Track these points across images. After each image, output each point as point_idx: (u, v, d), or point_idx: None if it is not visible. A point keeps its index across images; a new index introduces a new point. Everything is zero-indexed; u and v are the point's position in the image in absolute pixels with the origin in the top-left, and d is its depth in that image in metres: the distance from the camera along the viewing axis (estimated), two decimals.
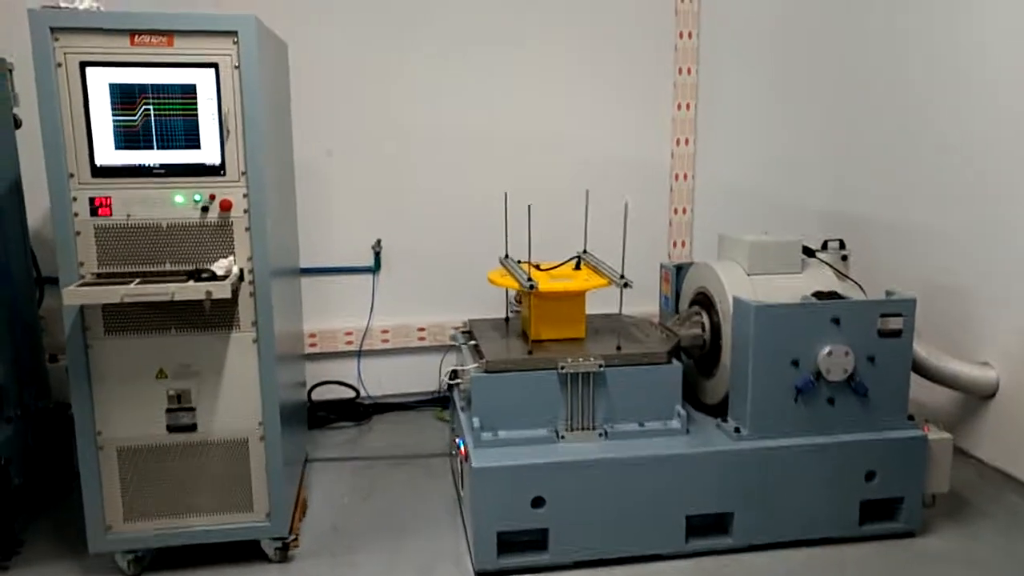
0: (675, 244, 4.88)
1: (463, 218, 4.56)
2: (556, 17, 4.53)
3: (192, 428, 2.90)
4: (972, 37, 3.84)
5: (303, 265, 4.25)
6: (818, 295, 3.22)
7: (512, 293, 3.76)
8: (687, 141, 4.79)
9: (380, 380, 4.69)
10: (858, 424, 3.16)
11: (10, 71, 3.35)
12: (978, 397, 3.78)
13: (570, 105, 4.63)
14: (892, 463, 3.16)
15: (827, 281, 3.36)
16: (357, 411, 4.58)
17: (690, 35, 4.70)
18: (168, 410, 2.88)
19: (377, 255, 4.54)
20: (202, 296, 2.61)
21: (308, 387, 4.46)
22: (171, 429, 2.89)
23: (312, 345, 4.50)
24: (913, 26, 4.20)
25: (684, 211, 4.85)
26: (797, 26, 4.81)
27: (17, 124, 3.43)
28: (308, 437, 4.21)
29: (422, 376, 4.69)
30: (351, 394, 4.61)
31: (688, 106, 4.76)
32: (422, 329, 4.66)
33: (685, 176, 4.82)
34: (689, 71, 4.74)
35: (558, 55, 4.57)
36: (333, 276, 4.53)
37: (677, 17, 4.68)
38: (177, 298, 2.61)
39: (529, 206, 3.05)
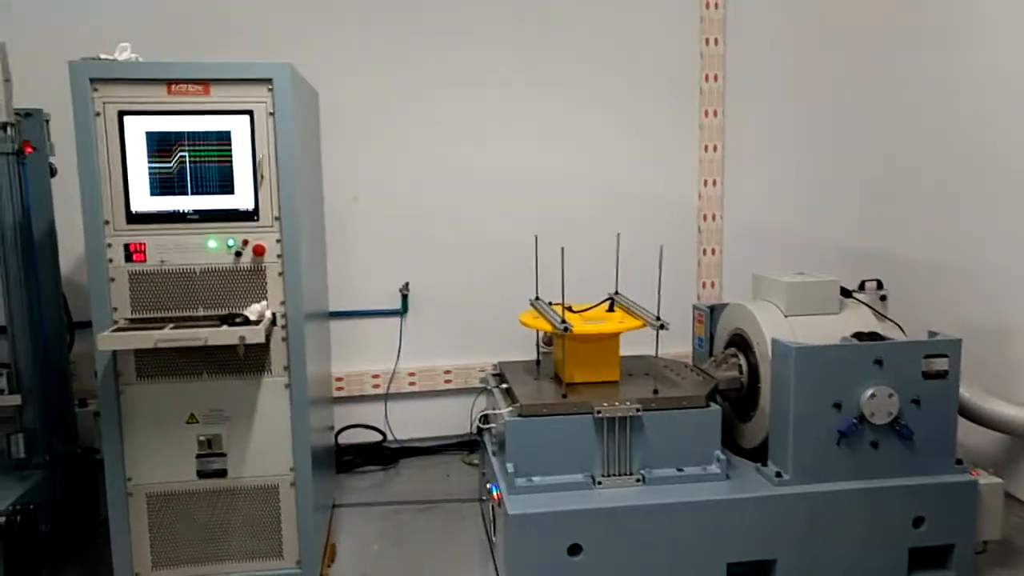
0: (704, 285, 4.83)
1: (489, 260, 4.55)
2: (582, 61, 4.56)
3: (223, 474, 2.87)
4: (997, 73, 3.80)
5: (331, 308, 4.24)
6: (858, 336, 3.16)
7: (542, 335, 3.72)
8: (715, 182, 4.77)
9: (407, 423, 4.64)
10: (904, 468, 3.06)
11: (47, 121, 3.40)
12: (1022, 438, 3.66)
13: (596, 148, 4.63)
14: (941, 509, 3.05)
15: (866, 322, 3.29)
16: (384, 455, 4.52)
17: (715, 78, 4.71)
18: (199, 455, 2.85)
19: (404, 298, 4.53)
20: (235, 341, 2.59)
21: (335, 430, 4.42)
22: (201, 475, 2.86)
23: (339, 388, 4.47)
24: (939, 61, 4.18)
25: (713, 252, 4.81)
26: (822, 65, 4.80)
27: (53, 172, 3.47)
28: (336, 481, 4.16)
29: (449, 419, 4.63)
30: (378, 438, 4.55)
31: (715, 148, 4.75)
32: (448, 372, 4.61)
33: (713, 217, 4.79)
34: (715, 113, 4.73)
35: (584, 98, 4.58)
36: (361, 319, 4.51)
37: (702, 60, 4.69)
38: (211, 343, 2.60)
39: (563, 248, 3.03)
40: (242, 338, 2.60)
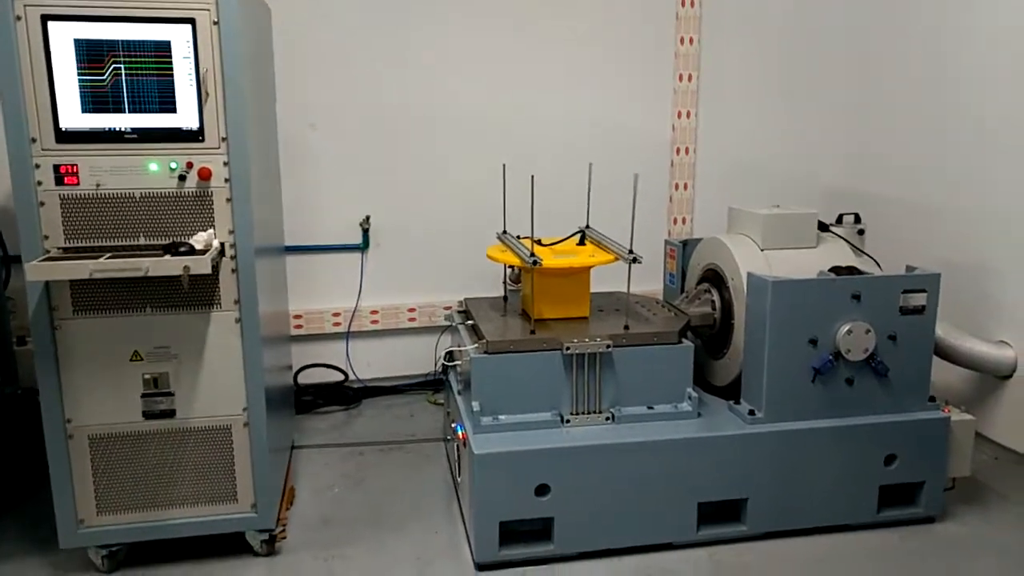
0: (675, 221, 4.70)
1: (455, 194, 4.37)
2: None
3: (170, 414, 2.70)
4: (985, 15, 3.67)
5: (287, 243, 4.04)
6: (836, 270, 3.06)
7: (509, 272, 3.57)
8: (689, 114, 4.60)
9: (369, 363, 4.50)
10: (878, 406, 3.00)
11: None
12: (995, 377, 3.64)
13: (567, 78, 4.42)
14: (913, 446, 3.01)
15: (844, 256, 3.19)
16: (346, 395, 4.38)
17: (692, 3, 4.50)
18: (144, 395, 2.67)
19: (365, 232, 4.33)
20: (179, 271, 2.40)
21: (294, 370, 4.26)
22: (147, 416, 2.68)
23: (298, 327, 4.30)
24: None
25: (685, 187, 4.67)
26: None
27: None
28: (294, 423, 4.01)
29: (413, 358, 4.50)
30: (339, 377, 4.41)
31: (690, 77, 4.57)
32: (412, 310, 4.46)
33: (687, 150, 4.64)
34: (691, 41, 4.53)
35: (554, 24, 4.36)
36: (319, 255, 4.32)
37: None
38: (152, 273, 2.40)
39: (532, 176, 2.86)
40: (187, 268, 2.40)
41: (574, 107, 4.44)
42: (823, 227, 3.30)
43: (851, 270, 3.06)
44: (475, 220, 4.27)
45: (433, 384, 4.46)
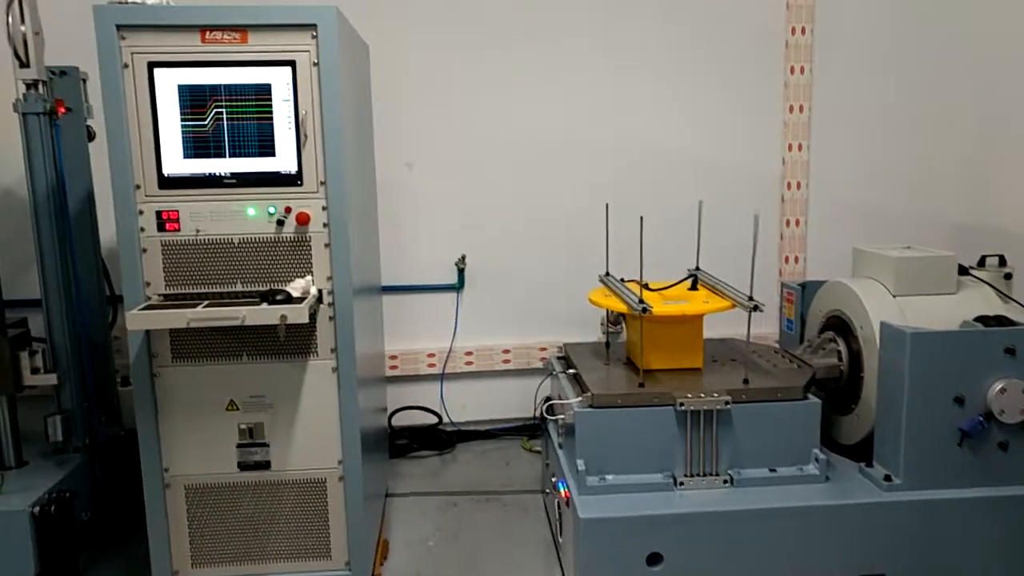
0: (787, 259, 4.41)
1: (551, 233, 4.22)
2: (654, 13, 4.14)
3: (265, 466, 2.62)
4: None
5: (384, 283, 3.97)
6: (982, 320, 2.74)
7: (607, 314, 3.39)
8: (800, 147, 4.33)
9: (464, 405, 4.37)
10: None
11: (84, 80, 3.16)
12: None
13: (670, 110, 4.23)
14: None
15: (989, 304, 2.87)
16: (440, 439, 4.25)
17: (803, 31, 4.24)
18: (239, 445, 2.60)
19: (461, 272, 4.23)
20: (276, 320, 2.31)
21: (388, 412, 4.16)
22: (242, 467, 2.61)
23: (393, 367, 4.21)
24: None
25: (797, 223, 4.38)
26: (927, 12, 4.29)
27: (91, 136, 3.25)
28: (388, 468, 3.90)
29: (508, 402, 4.34)
30: (433, 420, 4.29)
31: (801, 108, 4.30)
32: (507, 351, 4.31)
33: (798, 185, 4.35)
34: (802, 70, 4.27)
35: (656, 55, 4.18)
36: (415, 294, 4.23)
37: (788, 11, 4.23)
38: (248, 322, 2.32)
39: (641, 218, 2.67)
40: (283, 317, 2.32)
41: (678, 140, 4.24)
42: (963, 270, 2.99)
43: (1000, 320, 2.74)
44: (572, 260, 4.13)
45: (528, 429, 4.29)
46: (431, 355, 4.25)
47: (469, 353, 4.28)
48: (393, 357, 4.18)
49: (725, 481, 2.68)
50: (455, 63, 4.07)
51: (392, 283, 4.09)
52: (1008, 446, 2.63)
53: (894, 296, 2.88)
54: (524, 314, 4.29)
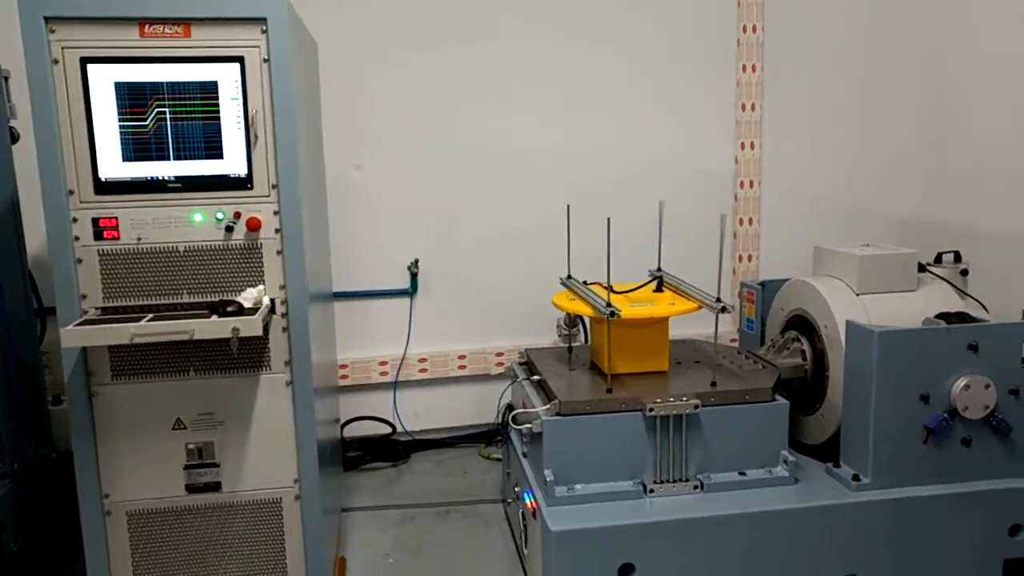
0: (741, 258, 4.41)
1: (506, 235, 4.14)
2: (606, 14, 4.09)
3: (216, 487, 2.45)
4: None
5: (334, 289, 3.83)
6: (944, 317, 2.75)
7: (563, 317, 3.31)
8: (753, 145, 4.34)
9: (418, 413, 4.25)
10: (1000, 469, 2.67)
11: (5, 79, 2.94)
12: None
13: (626, 112, 4.18)
14: None
15: (948, 300, 2.89)
16: (395, 449, 4.11)
17: (754, 29, 4.25)
18: (187, 467, 2.43)
19: (414, 276, 4.10)
20: (228, 334, 2.16)
21: (341, 423, 4.01)
22: (191, 489, 2.44)
23: (343, 376, 4.06)
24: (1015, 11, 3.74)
25: (751, 222, 4.39)
26: (877, 7, 4.33)
27: (14, 138, 3.02)
28: (343, 482, 3.75)
29: (463, 409, 4.25)
30: (387, 430, 4.15)
31: (753, 107, 4.31)
32: (463, 357, 4.21)
33: (751, 184, 4.36)
34: (753, 68, 4.28)
35: (611, 56, 4.13)
36: (366, 300, 4.09)
37: (740, 9, 4.23)
38: (198, 336, 2.16)
39: (609, 219, 2.60)
40: (236, 330, 2.17)
41: (633, 141, 4.20)
42: (921, 267, 3.00)
43: (961, 316, 2.75)
44: (528, 263, 4.05)
45: (486, 436, 4.19)
46: (383, 363, 4.11)
47: (423, 360, 4.16)
48: (343, 366, 4.03)
49: (695, 487, 2.63)
50: (409, 63, 3.94)
51: (342, 289, 3.95)
52: (971, 442, 2.65)
53: (857, 294, 2.88)
54: (480, 319, 4.20)
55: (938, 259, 3.09)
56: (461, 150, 4.05)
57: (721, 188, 4.36)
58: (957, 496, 2.63)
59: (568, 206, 3.14)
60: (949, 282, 2.98)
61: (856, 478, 2.65)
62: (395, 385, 4.15)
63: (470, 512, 3.50)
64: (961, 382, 2.59)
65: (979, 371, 2.59)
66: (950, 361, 2.60)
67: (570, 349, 3.23)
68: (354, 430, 4.09)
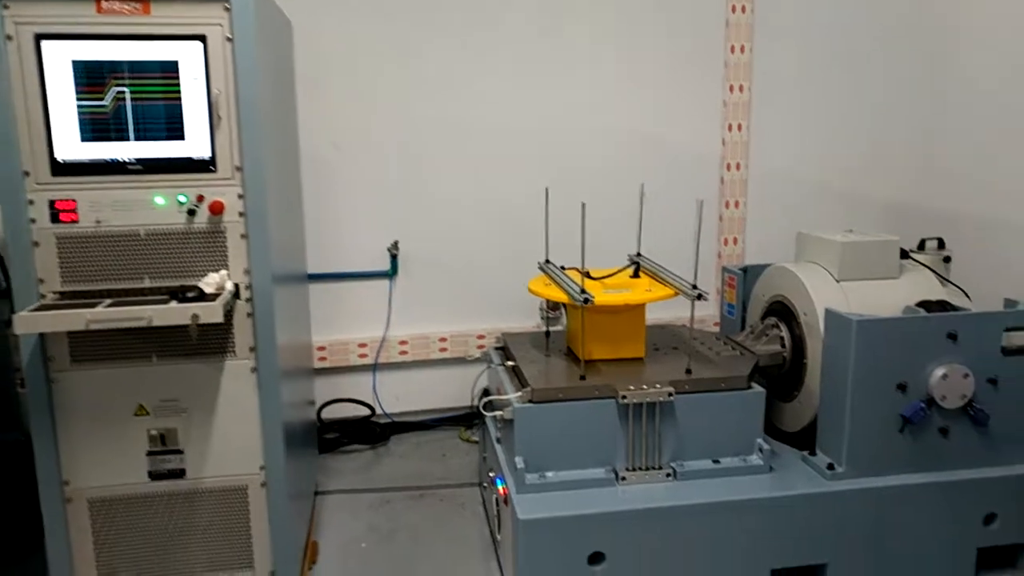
0: (726, 241, 4.36)
1: (489, 216, 4.07)
2: None
3: (179, 474, 2.42)
4: None
5: (311, 271, 3.77)
6: (924, 305, 2.71)
7: (545, 301, 3.27)
8: (740, 127, 4.26)
9: (398, 396, 4.20)
10: (976, 458, 2.65)
11: None
12: None
13: (611, 92, 4.10)
14: (1016, 503, 2.65)
15: (930, 288, 2.85)
16: (373, 431, 4.09)
17: (743, 9, 4.16)
18: (150, 453, 2.39)
19: (394, 258, 4.04)
20: (187, 320, 2.12)
21: (318, 406, 3.97)
22: (154, 476, 2.40)
23: (322, 359, 4.01)
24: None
25: (737, 205, 4.33)
26: None
27: None
28: (317, 465, 3.72)
29: (444, 392, 4.20)
30: (366, 412, 4.12)
31: (741, 88, 4.23)
32: (444, 339, 4.16)
33: (738, 166, 4.29)
34: (742, 49, 4.20)
35: (597, 36, 4.04)
36: (344, 282, 4.03)
37: None
38: (156, 323, 2.12)
39: (583, 204, 2.54)
40: (195, 317, 2.12)
41: (617, 122, 4.13)
42: (904, 254, 2.96)
43: (942, 305, 2.71)
44: (511, 244, 3.99)
45: (466, 419, 4.16)
46: (362, 345, 4.07)
47: (403, 342, 4.12)
48: (321, 348, 3.98)
49: (668, 474, 2.60)
50: (389, 42, 3.85)
51: (320, 271, 3.89)
52: (948, 431, 2.62)
53: (838, 281, 2.83)
54: (461, 301, 4.14)
55: (921, 245, 3.05)
56: (443, 130, 3.97)
57: (708, 170, 4.30)
58: (933, 485, 2.61)
59: (547, 189, 3.08)
60: (931, 269, 2.93)
61: (831, 467, 2.62)
62: (375, 367, 4.11)
63: (447, 496, 3.48)
64: (939, 371, 2.55)
65: (958, 360, 2.56)
66: (929, 350, 2.56)
67: (547, 334, 3.19)
68: (332, 412, 4.05)
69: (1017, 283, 3.45)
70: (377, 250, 4.03)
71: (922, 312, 2.65)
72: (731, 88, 4.21)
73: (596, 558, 2.45)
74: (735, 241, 4.36)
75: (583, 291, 2.58)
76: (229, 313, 2.31)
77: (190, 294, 2.17)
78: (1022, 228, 3.61)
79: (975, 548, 2.66)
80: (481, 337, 4.13)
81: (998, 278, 3.53)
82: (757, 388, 2.67)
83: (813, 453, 2.73)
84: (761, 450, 2.65)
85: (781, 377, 2.97)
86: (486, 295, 4.11)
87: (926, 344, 2.56)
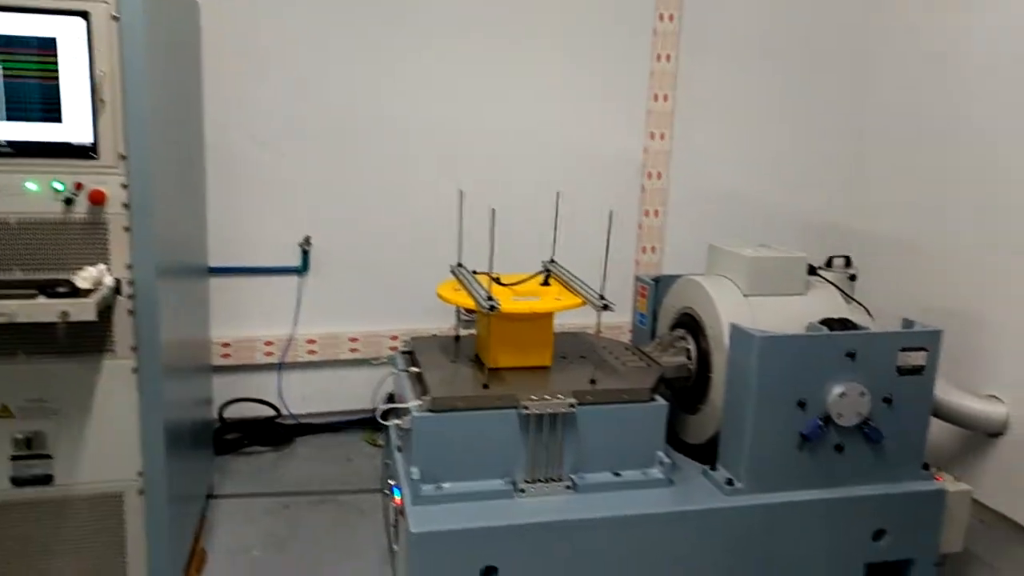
0: (644, 249, 4.37)
1: (406, 216, 3.99)
2: None
3: (47, 480, 2.26)
4: (991, 39, 3.41)
5: (216, 264, 3.62)
6: (827, 323, 2.73)
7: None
8: (663, 136, 4.28)
9: (304, 397, 4.08)
10: (868, 475, 2.68)
11: None
12: (984, 434, 3.36)
13: (536, 97, 4.07)
14: (904, 520, 2.70)
15: (834, 305, 2.87)
16: (277, 433, 3.95)
17: (671, 18, 4.17)
18: (14, 457, 2.23)
19: (305, 254, 3.92)
20: (55, 318, 1.97)
21: (219, 405, 3.82)
22: (18, 482, 2.24)
23: (225, 355, 3.86)
24: (930, 24, 3.76)
25: (656, 214, 4.34)
26: (797, 14, 4.30)
27: None
28: (213, 466, 3.57)
29: (353, 393, 4.09)
30: (270, 412, 3.98)
31: (665, 97, 4.24)
32: (355, 339, 4.05)
33: (659, 175, 4.30)
34: (668, 58, 4.21)
35: (524, 39, 4.00)
36: (252, 277, 3.88)
37: None
38: (21, 319, 1.97)
39: (493, 210, 2.47)
40: (64, 314, 1.97)
41: (540, 126, 4.09)
42: (811, 271, 2.98)
43: (844, 323, 2.74)
44: (428, 245, 3.91)
45: (374, 422, 4.01)
46: (269, 343, 3.93)
47: (312, 341, 4.00)
48: (225, 345, 3.83)
49: (568, 487, 2.55)
50: (309, 34, 3.73)
51: (225, 264, 3.74)
52: (843, 448, 2.64)
53: (745, 296, 2.83)
54: (375, 301, 4.05)
55: (829, 263, 3.08)
56: (364, 128, 3.87)
57: (629, 177, 4.29)
58: (826, 502, 2.62)
59: (460, 192, 2.99)
60: (837, 287, 2.96)
61: (730, 482, 2.62)
62: (280, 366, 3.98)
63: (347, 502, 3.38)
64: (838, 389, 2.57)
65: (856, 378, 2.58)
66: (828, 368, 2.58)
67: (457, 339, 3.11)
68: (235, 412, 3.91)
69: (921, 302, 3.55)
70: (288, 246, 3.90)
71: (824, 329, 2.67)
72: (655, 97, 4.21)
73: (489, 572, 2.39)
74: (653, 250, 4.37)
75: (490, 297, 2.51)
76: (107, 310, 2.17)
77: (60, 289, 2.02)
78: (928, 248, 3.72)
79: (863, 564, 2.70)
80: (395, 338, 4.04)
81: (904, 297, 3.63)
82: (660, 401, 2.64)
83: (715, 468, 2.72)
84: (662, 463, 2.62)
85: (687, 389, 2.96)
86: (401, 295, 4.02)
87: (826, 362, 2.58)
